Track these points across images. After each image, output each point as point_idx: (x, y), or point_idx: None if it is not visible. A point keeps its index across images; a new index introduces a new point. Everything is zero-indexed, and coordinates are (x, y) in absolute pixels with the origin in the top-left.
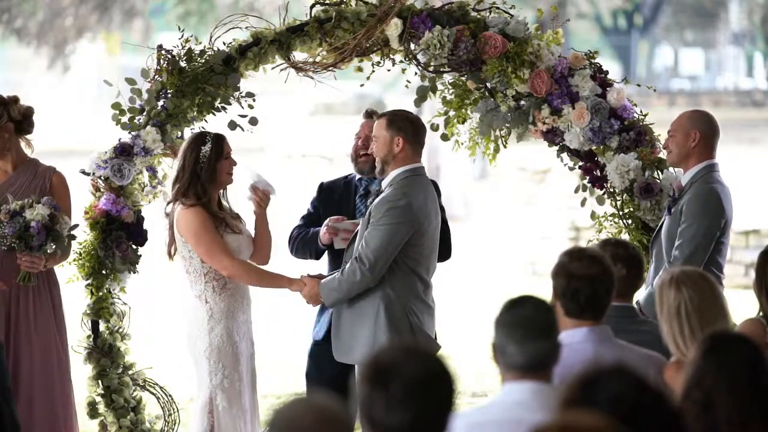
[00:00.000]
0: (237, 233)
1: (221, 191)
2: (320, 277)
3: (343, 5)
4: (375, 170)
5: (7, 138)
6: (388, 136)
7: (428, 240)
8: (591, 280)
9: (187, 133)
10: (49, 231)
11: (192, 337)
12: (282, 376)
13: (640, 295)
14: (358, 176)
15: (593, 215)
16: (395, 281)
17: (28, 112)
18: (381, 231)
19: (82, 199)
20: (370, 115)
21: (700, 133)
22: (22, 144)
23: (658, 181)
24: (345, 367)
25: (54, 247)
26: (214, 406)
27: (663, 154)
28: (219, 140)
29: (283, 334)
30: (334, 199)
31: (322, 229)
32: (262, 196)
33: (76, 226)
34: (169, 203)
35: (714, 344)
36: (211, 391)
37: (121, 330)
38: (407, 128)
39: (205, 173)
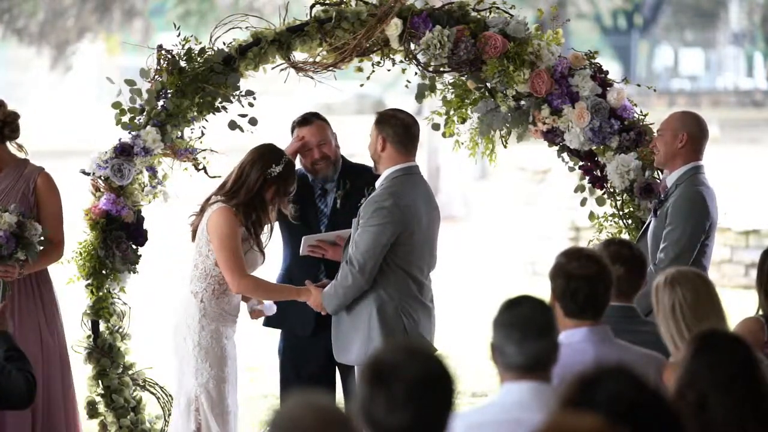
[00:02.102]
0: (260, 252)
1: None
2: (324, 285)
3: (343, 5)
4: (337, 171)
5: None
6: (374, 135)
7: (419, 239)
8: (589, 279)
9: (188, 133)
10: (19, 239)
11: (180, 332)
12: None
13: None
14: (312, 177)
15: (591, 216)
16: (387, 282)
17: (9, 118)
18: (369, 232)
19: (82, 199)
20: (308, 121)
21: (688, 134)
22: (12, 147)
23: (658, 181)
24: (330, 363)
25: (25, 254)
26: (199, 404)
27: None
28: (292, 171)
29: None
30: None
31: (304, 246)
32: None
33: (46, 232)
34: (213, 198)
35: (704, 344)
36: (195, 390)
37: (121, 330)
38: (389, 129)
39: (263, 188)
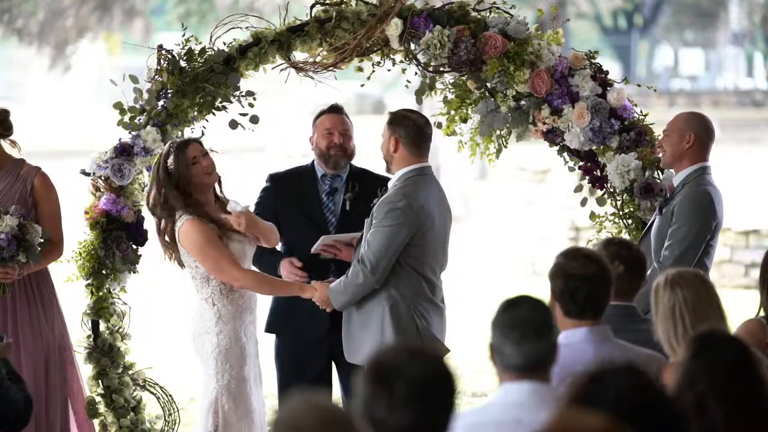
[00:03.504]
0: (240, 236)
1: (217, 188)
2: (330, 281)
3: (343, 5)
4: (345, 167)
5: None
6: (387, 136)
7: (432, 240)
8: (588, 279)
9: (188, 133)
10: (20, 241)
11: (199, 338)
12: None
13: None
14: (321, 173)
15: (592, 215)
16: (400, 282)
17: (2, 116)
18: (381, 232)
19: (82, 199)
20: (338, 109)
21: (695, 135)
22: (6, 145)
23: (659, 181)
24: (328, 364)
25: (26, 257)
26: (219, 406)
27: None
28: (181, 148)
29: None
30: (294, 189)
31: (319, 245)
32: (236, 219)
33: (46, 233)
34: (160, 218)
35: (702, 344)
36: (217, 392)
37: (121, 330)
38: (401, 129)
39: (182, 184)
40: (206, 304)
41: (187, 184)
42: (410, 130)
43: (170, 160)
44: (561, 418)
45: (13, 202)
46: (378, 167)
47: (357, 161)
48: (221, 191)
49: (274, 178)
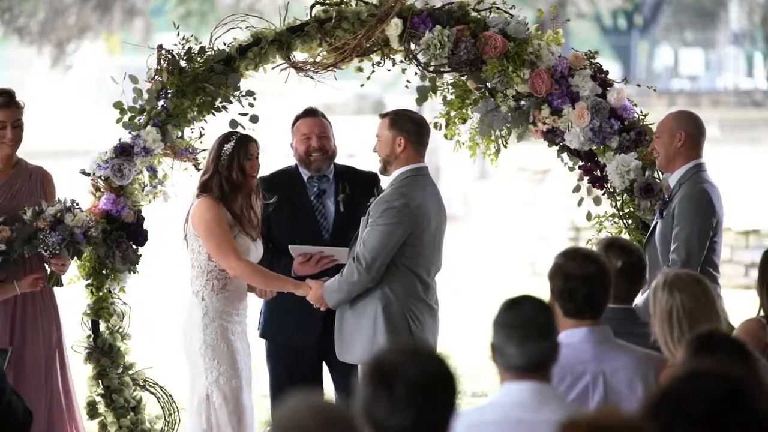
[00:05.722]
0: (250, 238)
1: (253, 197)
2: (325, 280)
3: (343, 5)
4: (329, 168)
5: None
6: (390, 136)
7: (427, 240)
8: (588, 279)
9: (188, 133)
10: (86, 236)
11: (187, 334)
12: None
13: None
14: (307, 175)
15: (589, 216)
16: (394, 281)
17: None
18: (378, 231)
19: (83, 199)
20: (314, 112)
21: (686, 132)
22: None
23: (658, 181)
24: (318, 364)
25: (90, 250)
26: (210, 403)
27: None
28: (245, 139)
29: None
30: (283, 193)
31: (295, 264)
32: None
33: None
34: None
35: (702, 345)
36: (207, 388)
37: (121, 330)
38: (409, 129)
39: (225, 170)
40: (195, 298)
41: (238, 174)
42: (417, 129)
43: (228, 146)
44: (590, 414)
45: (38, 197)
46: (369, 167)
47: (356, 162)
48: (257, 202)
49: (264, 181)
